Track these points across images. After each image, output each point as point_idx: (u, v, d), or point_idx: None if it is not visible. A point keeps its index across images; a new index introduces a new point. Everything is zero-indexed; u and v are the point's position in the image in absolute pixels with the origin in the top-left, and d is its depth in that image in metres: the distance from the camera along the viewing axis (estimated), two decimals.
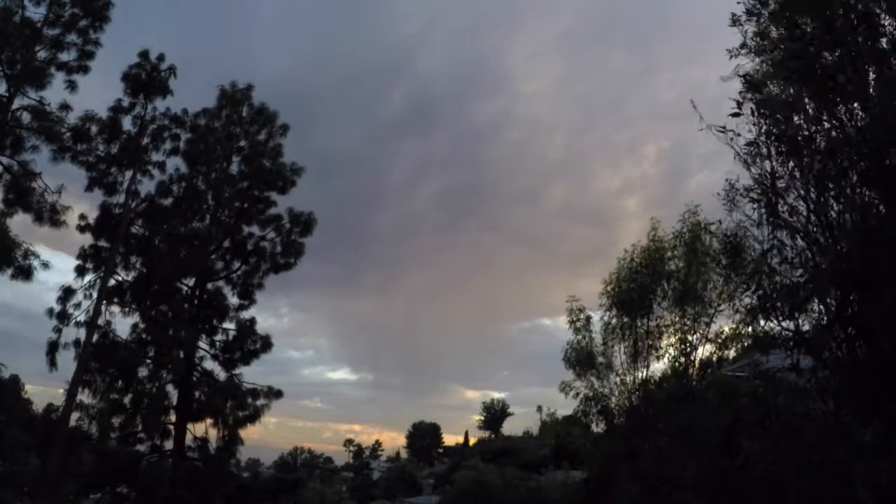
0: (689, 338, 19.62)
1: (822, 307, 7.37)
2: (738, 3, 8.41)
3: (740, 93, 8.00)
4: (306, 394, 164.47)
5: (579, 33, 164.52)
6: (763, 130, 7.68)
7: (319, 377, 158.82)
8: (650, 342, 20.17)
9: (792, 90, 7.48)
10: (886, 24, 7.17)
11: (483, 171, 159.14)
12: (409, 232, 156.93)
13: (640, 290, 20.27)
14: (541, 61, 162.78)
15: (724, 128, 7.94)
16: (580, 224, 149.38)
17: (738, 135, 7.96)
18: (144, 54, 26.31)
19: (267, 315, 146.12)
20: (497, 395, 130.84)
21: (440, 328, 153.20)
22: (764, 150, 7.68)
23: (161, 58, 26.39)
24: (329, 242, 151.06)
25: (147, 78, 26.16)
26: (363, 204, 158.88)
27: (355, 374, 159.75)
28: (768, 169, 7.78)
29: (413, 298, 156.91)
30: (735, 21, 8.42)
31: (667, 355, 19.97)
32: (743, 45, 8.30)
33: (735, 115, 7.79)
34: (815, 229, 7.38)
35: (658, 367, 20.33)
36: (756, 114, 7.79)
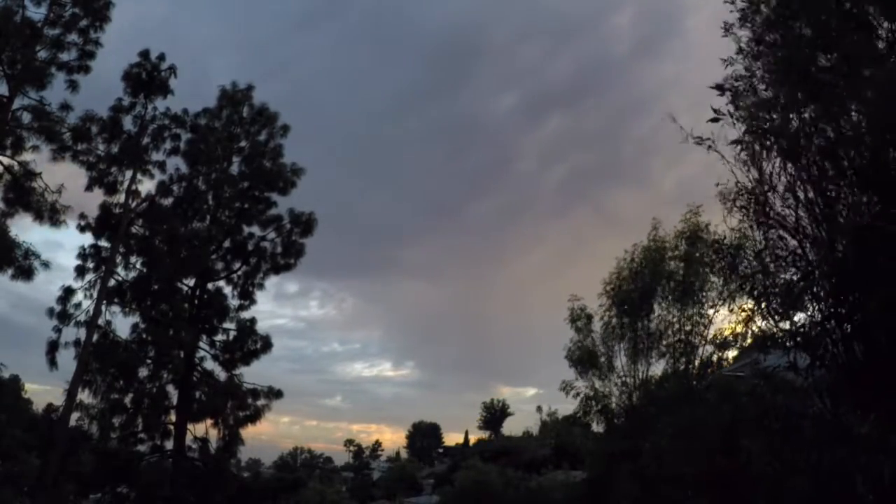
0: (690, 338, 19.67)
1: (816, 305, 7.39)
2: (731, 11, 8.40)
3: (727, 102, 8.02)
4: (328, 392, 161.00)
5: None
6: (751, 132, 7.69)
7: (350, 374, 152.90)
8: (650, 342, 20.21)
9: (784, 94, 7.50)
10: (883, 25, 7.19)
11: (621, 150, 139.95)
12: (515, 218, 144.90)
13: (640, 290, 20.31)
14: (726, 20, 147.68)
15: (700, 138, 7.96)
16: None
17: (714, 142, 7.95)
18: (145, 54, 26.34)
19: (329, 307, 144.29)
20: (531, 392, 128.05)
21: (505, 322, 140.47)
22: (757, 149, 7.69)
23: (161, 57, 26.43)
24: (434, 227, 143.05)
25: (147, 77, 26.17)
26: (483, 184, 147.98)
27: (395, 370, 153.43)
28: (759, 171, 7.79)
29: (492, 290, 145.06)
30: (727, 29, 8.43)
31: (667, 355, 20.02)
32: (739, 51, 8.30)
33: (714, 120, 7.82)
34: (808, 228, 7.40)
35: (658, 366, 20.40)
36: (740, 118, 7.80)
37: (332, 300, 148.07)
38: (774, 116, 7.60)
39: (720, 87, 8.02)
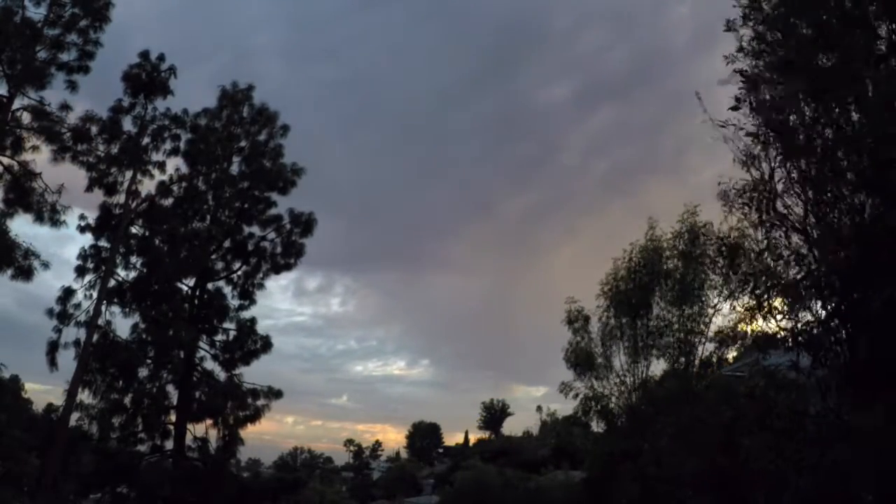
0: (689, 337, 19.66)
1: (820, 304, 7.40)
2: (734, 6, 8.44)
3: (739, 89, 8.04)
4: (336, 391, 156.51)
5: None
6: (762, 127, 7.71)
7: (362, 373, 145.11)
8: (650, 342, 20.20)
9: (785, 91, 7.52)
10: (883, 27, 7.20)
11: (665, 143, 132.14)
12: (552, 213, 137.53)
13: (638, 290, 20.30)
14: None
15: (725, 122, 7.99)
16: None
17: (741, 128, 7.98)
18: (145, 54, 26.33)
19: (351, 304, 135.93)
20: (543, 391, 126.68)
21: (528, 320, 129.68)
22: (760, 152, 7.72)
23: (161, 58, 26.43)
24: (470, 220, 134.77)
25: (147, 78, 26.17)
26: (523, 177, 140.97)
27: (408, 368, 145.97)
28: (765, 170, 7.82)
29: (520, 287, 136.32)
30: (730, 27, 8.46)
31: (666, 355, 20.02)
32: (740, 49, 8.33)
33: (734, 108, 7.84)
34: (811, 228, 7.41)
35: (658, 366, 20.39)
36: (754, 111, 7.82)
37: (355, 296, 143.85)
38: (780, 116, 7.62)
39: (744, 73, 7.98)
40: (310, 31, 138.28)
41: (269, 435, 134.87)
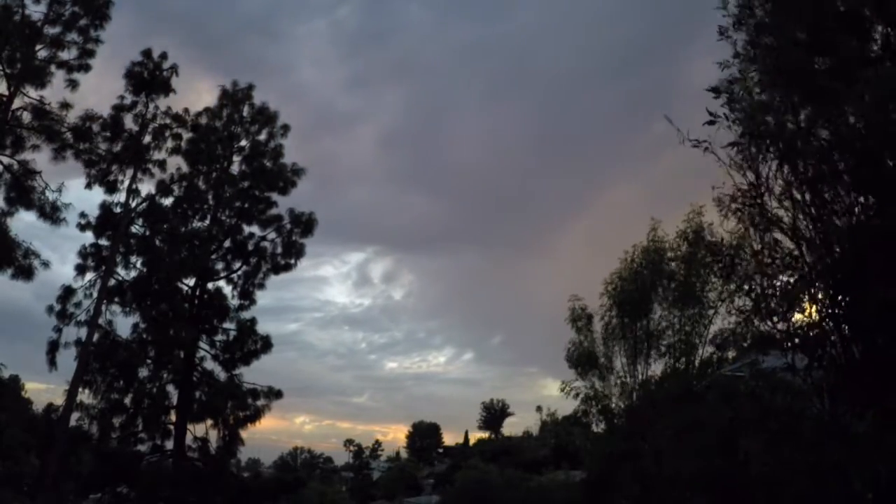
0: (689, 338, 19.63)
1: (814, 306, 7.39)
2: (724, 15, 8.41)
3: (722, 104, 8.01)
4: (358, 389, 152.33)
5: None
6: (748, 134, 7.67)
7: (395, 370, 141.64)
8: (651, 342, 20.17)
9: (779, 96, 7.50)
10: (877, 29, 7.20)
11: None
12: (655, 202, 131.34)
13: (640, 290, 20.25)
14: None
15: (697, 141, 7.97)
16: None
17: (709, 144, 7.92)
18: (147, 53, 26.34)
19: (415, 294, 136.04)
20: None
21: None
22: (753, 151, 7.69)
23: (164, 56, 26.45)
24: (581, 208, 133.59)
25: (149, 76, 26.16)
26: (643, 164, 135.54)
27: (447, 364, 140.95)
28: (750, 177, 7.80)
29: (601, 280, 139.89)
30: (722, 33, 8.43)
31: (667, 355, 19.99)
32: (736, 55, 8.30)
33: (710, 122, 7.83)
34: (805, 229, 7.40)
35: (658, 367, 20.36)
36: (736, 120, 7.79)
37: (421, 283, 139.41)
38: (770, 119, 7.60)
39: (716, 90, 8.01)
40: None
41: (276, 434, 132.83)
